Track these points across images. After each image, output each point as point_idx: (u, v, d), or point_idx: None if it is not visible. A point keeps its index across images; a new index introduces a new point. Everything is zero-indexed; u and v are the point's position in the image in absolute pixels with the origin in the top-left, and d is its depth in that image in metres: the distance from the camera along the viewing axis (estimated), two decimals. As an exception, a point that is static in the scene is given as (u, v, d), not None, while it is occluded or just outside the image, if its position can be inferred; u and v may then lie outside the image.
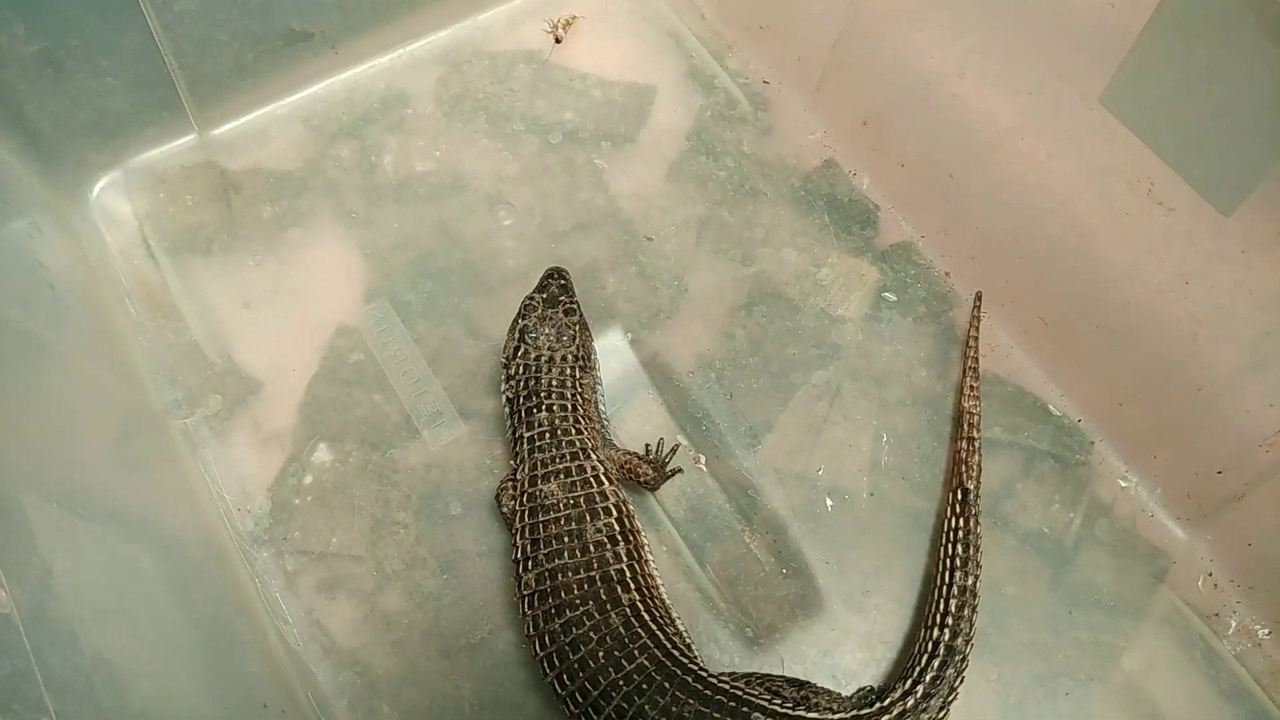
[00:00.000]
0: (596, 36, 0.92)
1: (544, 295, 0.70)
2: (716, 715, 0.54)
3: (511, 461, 0.66)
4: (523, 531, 0.61)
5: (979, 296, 0.78)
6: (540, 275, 0.72)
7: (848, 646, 0.65)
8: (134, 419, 0.71)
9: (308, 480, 0.70)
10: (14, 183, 0.75)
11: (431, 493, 0.70)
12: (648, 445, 0.71)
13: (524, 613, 0.59)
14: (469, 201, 0.83)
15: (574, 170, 0.85)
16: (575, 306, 0.69)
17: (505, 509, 0.65)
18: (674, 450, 0.71)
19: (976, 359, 0.75)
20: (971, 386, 0.73)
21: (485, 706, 0.63)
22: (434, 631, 0.65)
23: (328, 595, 0.66)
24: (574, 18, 0.91)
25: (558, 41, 0.91)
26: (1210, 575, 0.69)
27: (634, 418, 0.73)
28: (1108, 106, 0.61)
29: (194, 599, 0.64)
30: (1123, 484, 0.72)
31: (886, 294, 0.79)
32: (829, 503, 0.70)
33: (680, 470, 0.70)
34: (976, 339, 0.76)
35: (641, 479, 0.67)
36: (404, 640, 0.65)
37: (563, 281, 0.71)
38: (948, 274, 0.80)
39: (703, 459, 0.72)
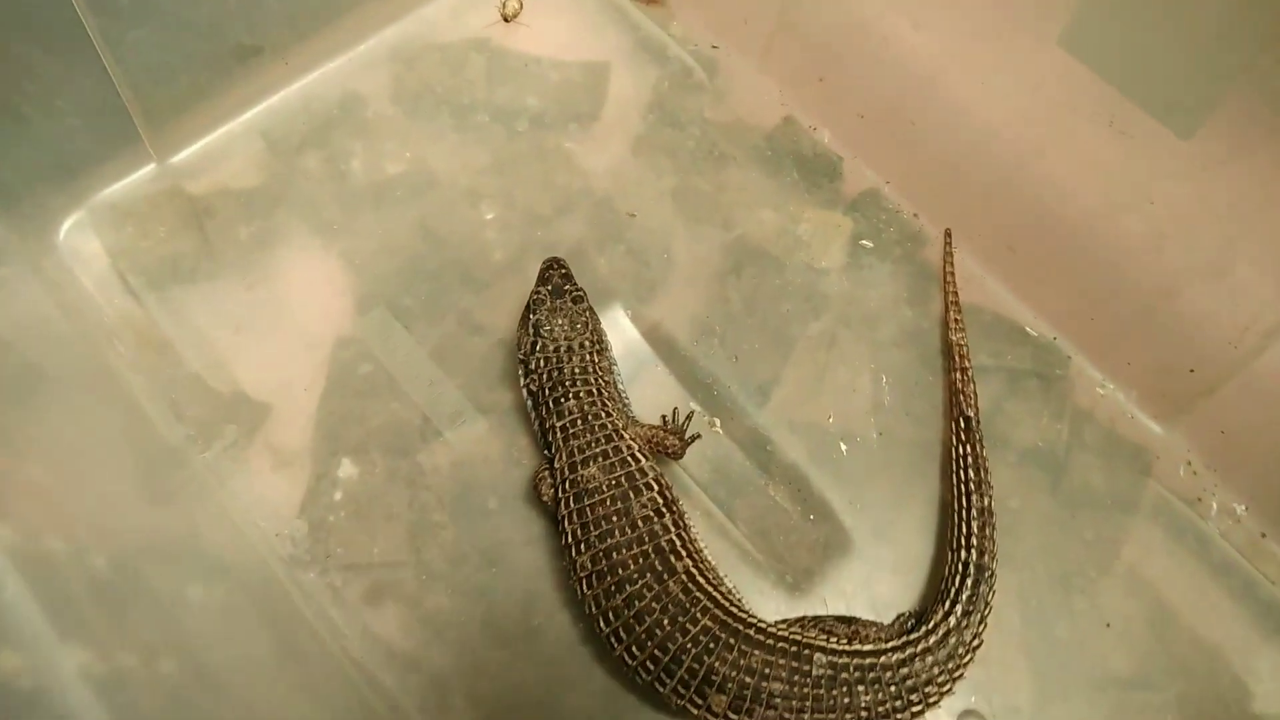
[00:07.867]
0: (541, 17, 0.93)
1: (548, 287, 0.71)
2: (782, 661, 0.58)
3: (545, 452, 0.68)
4: (569, 517, 0.63)
5: (948, 233, 0.82)
6: (539, 268, 0.73)
7: (881, 577, 0.70)
8: (150, 458, 0.71)
9: (338, 496, 0.71)
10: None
11: (463, 490, 0.72)
12: (664, 416, 0.73)
13: (583, 594, 0.62)
14: (446, 198, 0.83)
15: (544, 155, 0.86)
16: (582, 294, 0.71)
17: (546, 497, 0.67)
18: (689, 417, 0.74)
19: (955, 292, 0.79)
20: (955, 319, 0.77)
21: (552, 688, 0.66)
22: (490, 623, 0.68)
23: (376, 604, 0.68)
24: (520, -3, 0.92)
25: (506, 20, 0.91)
26: (1189, 464, 0.75)
27: (647, 391, 0.76)
28: (1066, 48, 0.65)
29: (248, 625, 0.65)
30: (1101, 391, 0.78)
31: (863, 241, 0.83)
32: (843, 447, 0.74)
33: (699, 435, 0.73)
34: (952, 273, 0.80)
35: (668, 449, 0.70)
36: (462, 636, 0.67)
37: (563, 271, 0.73)
38: (916, 215, 0.84)
39: (717, 422, 0.75)
